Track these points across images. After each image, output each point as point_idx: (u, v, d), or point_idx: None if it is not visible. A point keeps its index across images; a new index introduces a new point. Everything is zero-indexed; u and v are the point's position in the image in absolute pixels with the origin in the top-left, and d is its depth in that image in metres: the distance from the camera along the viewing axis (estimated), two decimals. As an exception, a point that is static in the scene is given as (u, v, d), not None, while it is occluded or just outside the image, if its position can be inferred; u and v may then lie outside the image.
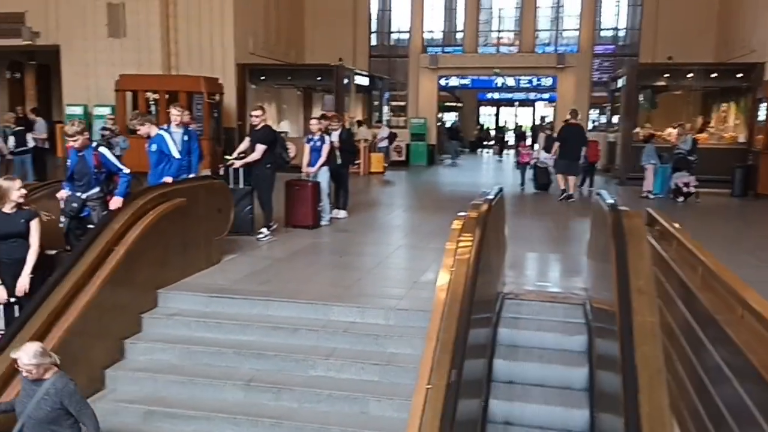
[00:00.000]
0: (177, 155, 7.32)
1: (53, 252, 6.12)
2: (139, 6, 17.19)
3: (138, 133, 7.65)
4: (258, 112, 8.91)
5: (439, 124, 24.90)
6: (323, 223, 9.74)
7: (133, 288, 5.92)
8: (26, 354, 3.89)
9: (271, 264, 7.56)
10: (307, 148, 9.75)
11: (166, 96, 16.11)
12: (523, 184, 15.39)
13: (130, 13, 17.29)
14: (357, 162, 16.24)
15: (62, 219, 6.43)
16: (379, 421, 4.86)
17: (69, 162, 6.48)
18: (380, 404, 4.96)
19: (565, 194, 13.36)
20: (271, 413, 4.98)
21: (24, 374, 3.98)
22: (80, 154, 6.38)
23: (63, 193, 6.45)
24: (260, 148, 8.68)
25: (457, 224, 5.00)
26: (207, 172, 7.98)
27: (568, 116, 14.46)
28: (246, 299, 6.13)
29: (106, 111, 17.11)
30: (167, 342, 5.74)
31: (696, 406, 3.34)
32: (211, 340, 5.74)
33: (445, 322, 3.82)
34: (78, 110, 17.27)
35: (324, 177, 9.70)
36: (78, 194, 6.38)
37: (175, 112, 8.15)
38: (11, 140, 13.26)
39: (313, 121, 9.99)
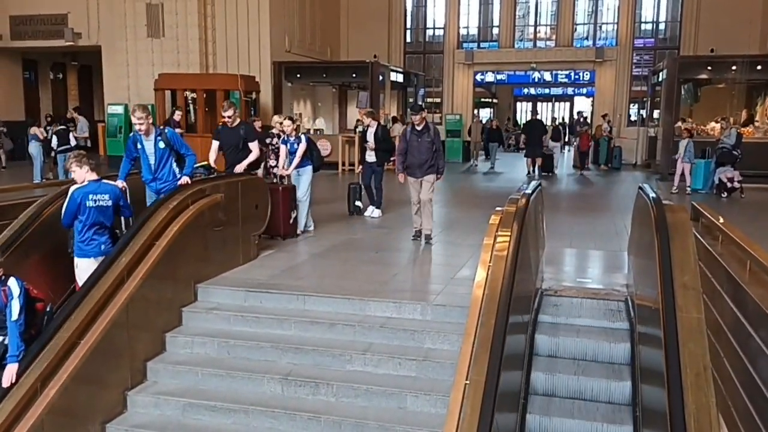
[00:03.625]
0: (66, 220, 5.59)
1: None
2: (177, 6, 17.50)
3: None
4: (230, 112, 7.77)
5: (482, 122, 24.34)
6: (305, 229, 8.85)
7: (174, 282, 6.02)
8: None
9: (308, 259, 7.59)
10: (283, 149, 8.90)
11: (204, 95, 16.34)
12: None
13: (169, 13, 17.60)
14: (393, 159, 16.18)
15: None
16: (416, 417, 4.84)
17: None
18: (417, 400, 4.94)
19: (535, 173, 16.96)
20: (309, 407, 5.01)
21: None
22: None
23: None
24: (255, 146, 7.93)
25: (494, 219, 4.95)
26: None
27: (533, 114, 19.45)
28: (283, 294, 6.17)
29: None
30: (206, 336, 5.81)
31: (746, 405, 3.23)
32: (249, 335, 5.78)
33: (483, 318, 3.78)
34: (119, 109, 17.63)
35: (305, 180, 8.86)
36: None
37: (139, 114, 6.27)
38: (54, 139, 13.63)
39: (287, 122, 8.91)
